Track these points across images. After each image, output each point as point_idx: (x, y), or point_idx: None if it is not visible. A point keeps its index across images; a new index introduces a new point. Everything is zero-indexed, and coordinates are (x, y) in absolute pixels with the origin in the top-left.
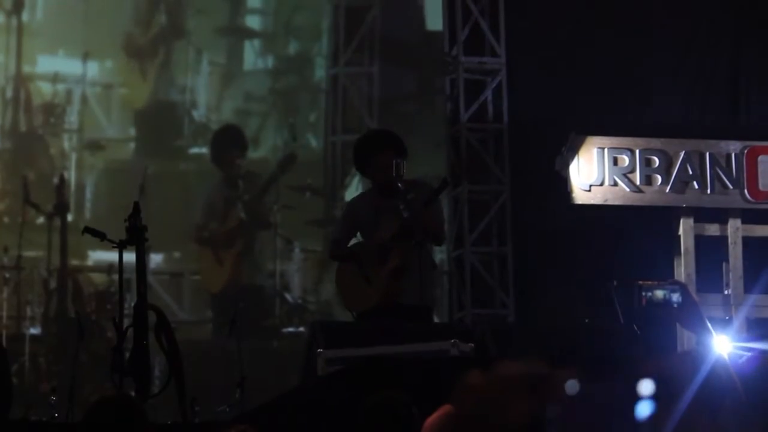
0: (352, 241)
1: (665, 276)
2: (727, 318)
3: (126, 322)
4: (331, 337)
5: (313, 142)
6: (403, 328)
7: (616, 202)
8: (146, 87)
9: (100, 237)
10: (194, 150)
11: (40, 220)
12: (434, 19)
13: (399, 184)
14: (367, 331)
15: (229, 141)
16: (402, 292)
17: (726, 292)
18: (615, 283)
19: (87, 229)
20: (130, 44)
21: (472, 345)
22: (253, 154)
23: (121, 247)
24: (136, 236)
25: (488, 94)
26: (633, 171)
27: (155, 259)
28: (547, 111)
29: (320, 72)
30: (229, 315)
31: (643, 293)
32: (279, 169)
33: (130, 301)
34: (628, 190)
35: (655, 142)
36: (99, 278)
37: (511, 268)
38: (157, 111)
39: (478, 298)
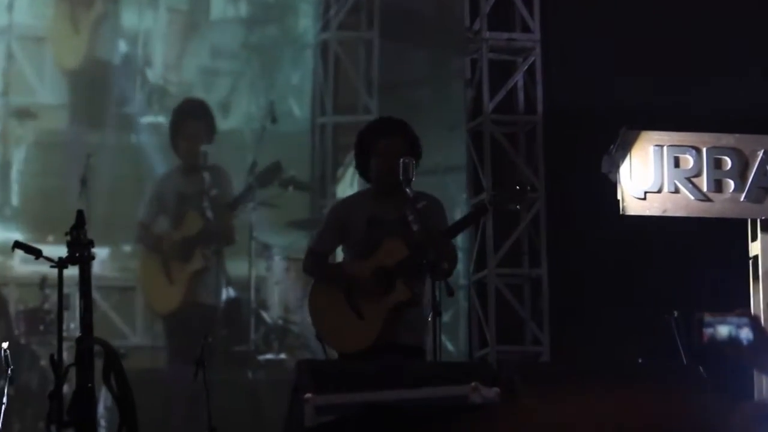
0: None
1: (738, 306)
2: None
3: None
4: (322, 380)
5: (297, 111)
6: (411, 369)
7: (678, 213)
8: (83, 39)
9: (34, 254)
10: (148, 118)
11: None
12: None
13: (407, 189)
14: (365, 373)
15: (188, 120)
16: (397, 329)
17: None
18: (676, 314)
19: (18, 245)
20: None
21: (498, 390)
22: (222, 124)
23: (61, 266)
24: (79, 253)
25: (519, 78)
26: (699, 175)
27: (100, 254)
28: (591, 100)
29: (305, 21)
30: (182, 340)
31: (705, 329)
32: (258, 182)
33: (68, 322)
34: (692, 198)
35: (727, 139)
36: (29, 293)
37: (546, 295)
38: (100, 69)
39: (504, 331)
